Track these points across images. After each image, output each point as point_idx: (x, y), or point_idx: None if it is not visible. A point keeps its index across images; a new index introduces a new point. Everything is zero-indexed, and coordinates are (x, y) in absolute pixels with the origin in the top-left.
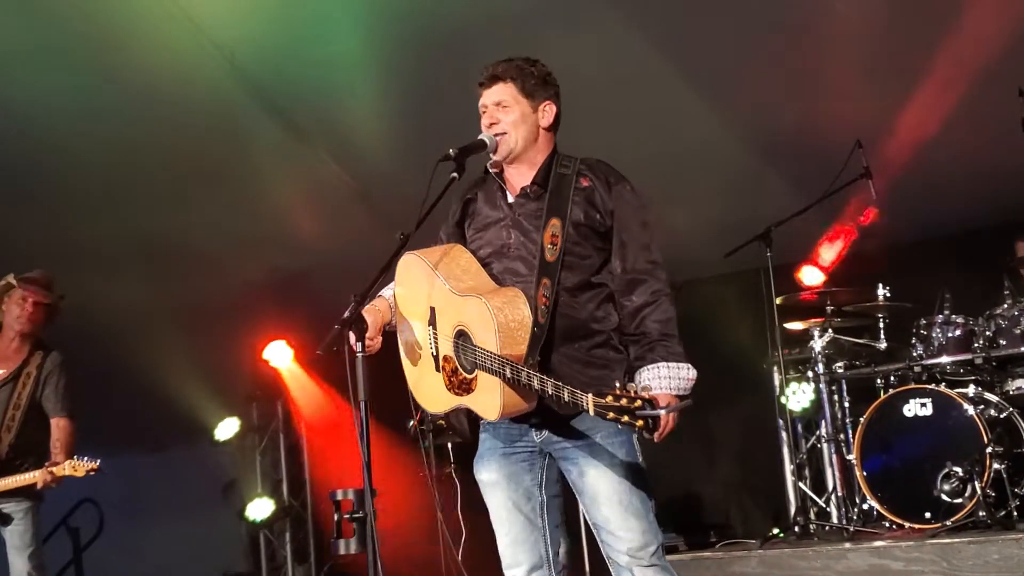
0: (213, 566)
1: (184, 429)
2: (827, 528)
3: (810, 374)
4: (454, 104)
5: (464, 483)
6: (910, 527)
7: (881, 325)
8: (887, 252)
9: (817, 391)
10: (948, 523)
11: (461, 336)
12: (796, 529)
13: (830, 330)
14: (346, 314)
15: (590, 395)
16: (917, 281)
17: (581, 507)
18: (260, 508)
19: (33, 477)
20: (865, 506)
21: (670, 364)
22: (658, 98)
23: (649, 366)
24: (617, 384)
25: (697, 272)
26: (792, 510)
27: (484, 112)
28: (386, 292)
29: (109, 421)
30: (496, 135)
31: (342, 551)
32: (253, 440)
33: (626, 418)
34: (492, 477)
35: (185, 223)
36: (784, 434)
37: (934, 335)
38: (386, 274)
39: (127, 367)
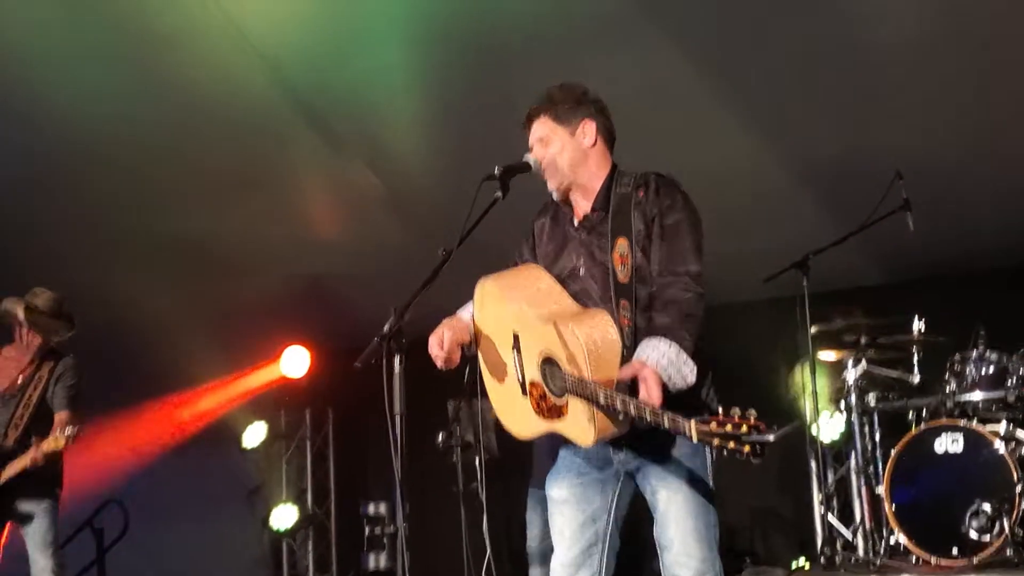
0: (235, 572)
1: (212, 433)
2: (853, 560)
3: (842, 405)
4: (491, 120)
5: (490, 500)
6: (937, 563)
7: (915, 359)
8: (924, 285)
9: (848, 422)
10: (975, 560)
11: (548, 362)
12: (822, 560)
13: (864, 361)
14: (386, 327)
15: (693, 421)
16: (953, 316)
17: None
18: (284, 516)
19: (25, 459)
20: (892, 540)
21: (672, 345)
22: (699, 121)
23: (653, 340)
24: (720, 409)
25: (733, 296)
26: (819, 541)
27: (532, 151)
28: (464, 313)
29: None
30: (544, 168)
31: (371, 565)
32: (280, 447)
33: (732, 444)
34: (563, 495)
35: (220, 228)
36: (813, 464)
37: (968, 371)
38: (427, 289)
39: (158, 370)
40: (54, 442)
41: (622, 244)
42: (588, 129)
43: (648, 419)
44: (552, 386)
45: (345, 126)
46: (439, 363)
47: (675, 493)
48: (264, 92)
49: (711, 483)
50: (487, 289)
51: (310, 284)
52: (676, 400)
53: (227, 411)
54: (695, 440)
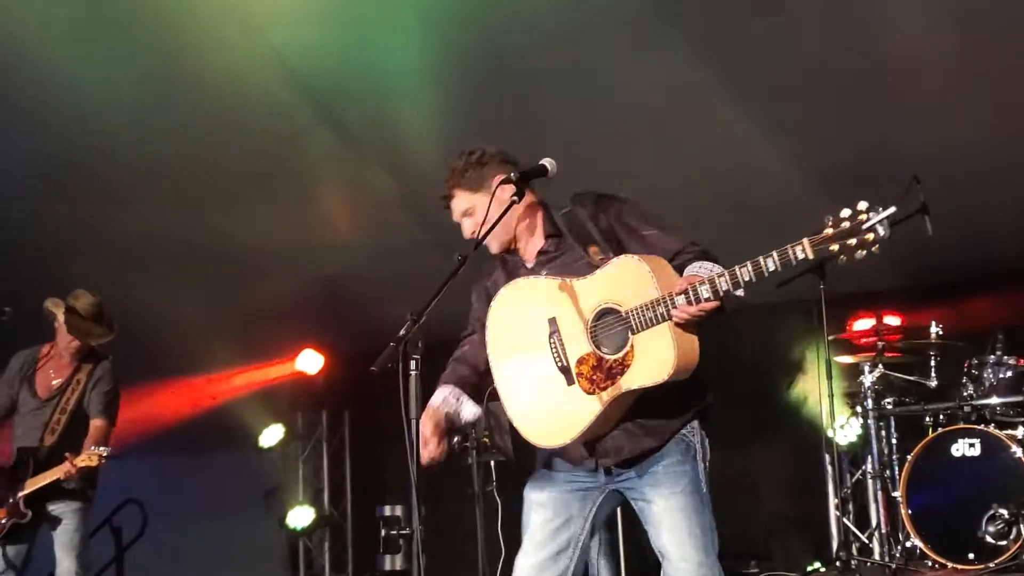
0: (252, 571)
1: (229, 434)
2: (869, 564)
3: (859, 409)
4: (507, 119)
5: (505, 502)
6: (953, 567)
7: (932, 363)
8: (941, 289)
9: (865, 426)
10: (992, 565)
11: (603, 315)
12: (838, 564)
13: (880, 365)
14: (402, 332)
15: (804, 240)
16: (970, 320)
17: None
18: (300, 516)
19: (58, 471)
20: (909, 544)
21: (716, 265)
22: (715, 124)
23: (695, 263)
24: (829, 217)
25: (749, 299)
26: (835, 545)
27: (461, 228)
28: (436, 400)
29: (157, 425)
30: (482, 237)
31: (387, 567)
32: (296, 448)
33: (853, 241)
34: (542, 498)
35: (235, 227)
36: (830, 468)
37: (985, 375)
38: (443, 294)
39: (174, 371)
40: (87, 459)
41: (594, 252)
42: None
43: (745, 278)
44: (607, 345)
45: (362, 128)
46: (425, 459)
47: (668, 500)
48: (281, 94)
49: (704, 487)
50: (511, 291)
51: (327, 286)
52: (676, 402)
53: (241, 395)
54: (812, 255)
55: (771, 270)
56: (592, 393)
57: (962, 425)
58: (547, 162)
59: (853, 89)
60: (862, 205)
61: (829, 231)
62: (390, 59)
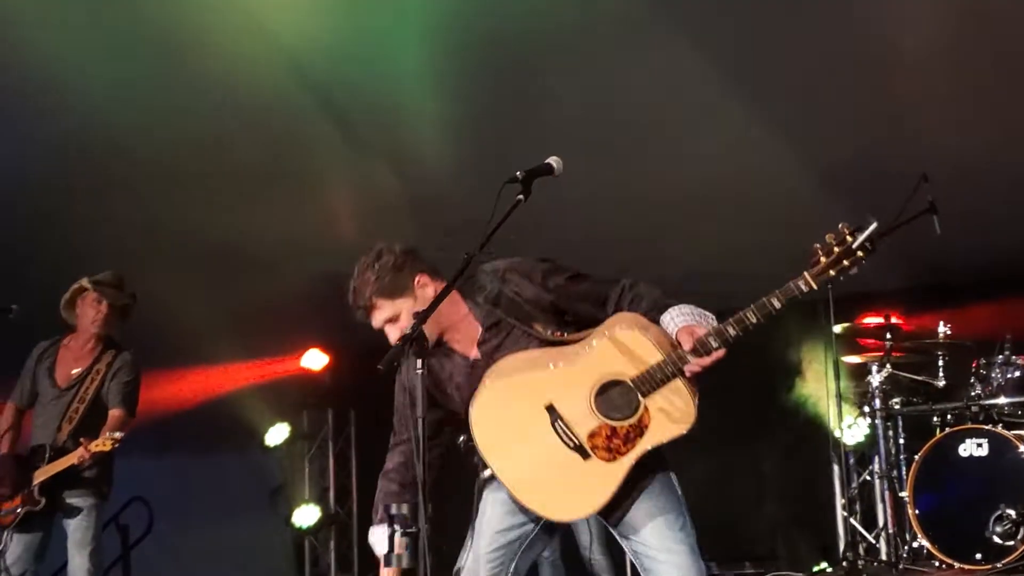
0: (257, 570)
1: (235, 433)
2: (876, 564)
3: (866, 409)
4: (513, 122)
5: None
6: (960, 567)
7: (940, 363)
8: (949, 289)
9: (872, 426)
10: (999, 565)
11: (605, 389)
12: (844, 564)
13: (888, 365)
14: (408, 330)
15: (804, 274)
16: (978, 320)
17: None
18: (306, 515)
19: (72, 457)
20: (916, 544)
21: (679, 305)
22: (724, 125)
23: (666, 315)
24: (817, 245)
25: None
26: (841, 545)
27: (387, 335)
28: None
29: (163, 422)
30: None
31: (393, 566)
32: (302, 447)
33: (847, 261)
34: (500, 496)
35: (243, 226)
36: (837, 468)
37: (993, 375)
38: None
39: (178, 366)
40: (102, 444)
41: (539, 328)
42: (423, 281)
43: (755, 320)
44: (618, 414)
45: (368, 128)
46: None
47: (641, 502)
48: (289, 93)
49: (679, 491)
50: (484, 404)
51: (333, 284)
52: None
53: (246, 393)
54: (815, 286)
55: (778, 308)
56: (614, 460)
57: (970, 425)
58: (553, 160)
59: (856, 89)
60: (843, 226)
61: (822, 259)
62: (396, 60)
